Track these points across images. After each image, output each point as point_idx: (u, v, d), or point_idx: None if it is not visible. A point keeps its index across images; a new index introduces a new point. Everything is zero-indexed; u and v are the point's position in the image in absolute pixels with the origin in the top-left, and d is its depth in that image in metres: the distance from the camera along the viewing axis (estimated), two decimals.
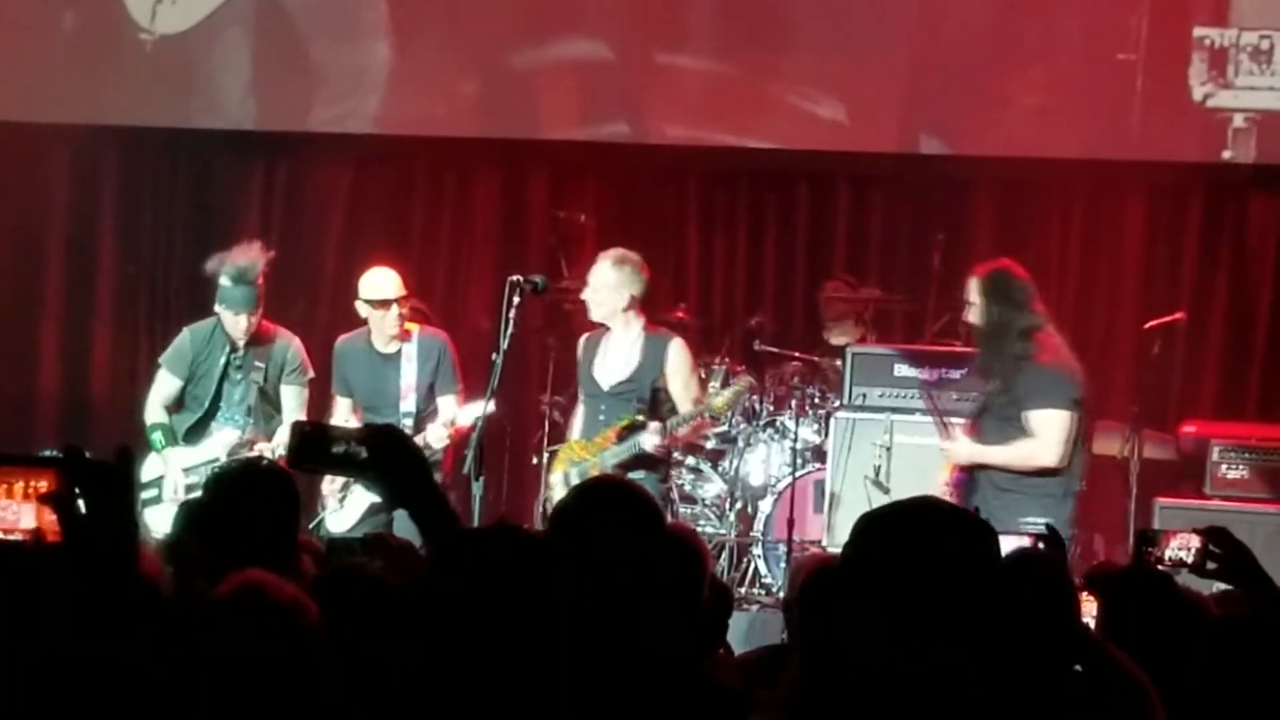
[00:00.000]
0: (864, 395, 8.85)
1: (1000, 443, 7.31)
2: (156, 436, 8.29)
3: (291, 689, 3.08)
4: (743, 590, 9.27)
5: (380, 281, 8.31)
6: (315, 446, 3.21)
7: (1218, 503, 8.84)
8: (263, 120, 11.17)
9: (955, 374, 8.50)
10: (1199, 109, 10.27)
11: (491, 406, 7.70)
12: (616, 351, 8.02)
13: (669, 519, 8.77)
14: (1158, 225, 10.55)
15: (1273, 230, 10.48)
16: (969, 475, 7.39)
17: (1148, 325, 9.41)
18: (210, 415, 8.32)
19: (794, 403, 9.57)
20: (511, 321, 7.71)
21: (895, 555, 2.63)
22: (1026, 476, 7.22)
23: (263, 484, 4.45)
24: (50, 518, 2.82)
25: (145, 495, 8.11)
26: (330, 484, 8.23)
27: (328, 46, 10.97)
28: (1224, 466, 9.00)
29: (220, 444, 8.22)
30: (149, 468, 8.23)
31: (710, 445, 9.85)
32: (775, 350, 10.01)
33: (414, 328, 8.40)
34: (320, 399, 8.59)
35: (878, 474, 8.51)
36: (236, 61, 11.08)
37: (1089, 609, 3.93)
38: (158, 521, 7.74)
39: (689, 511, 9.64)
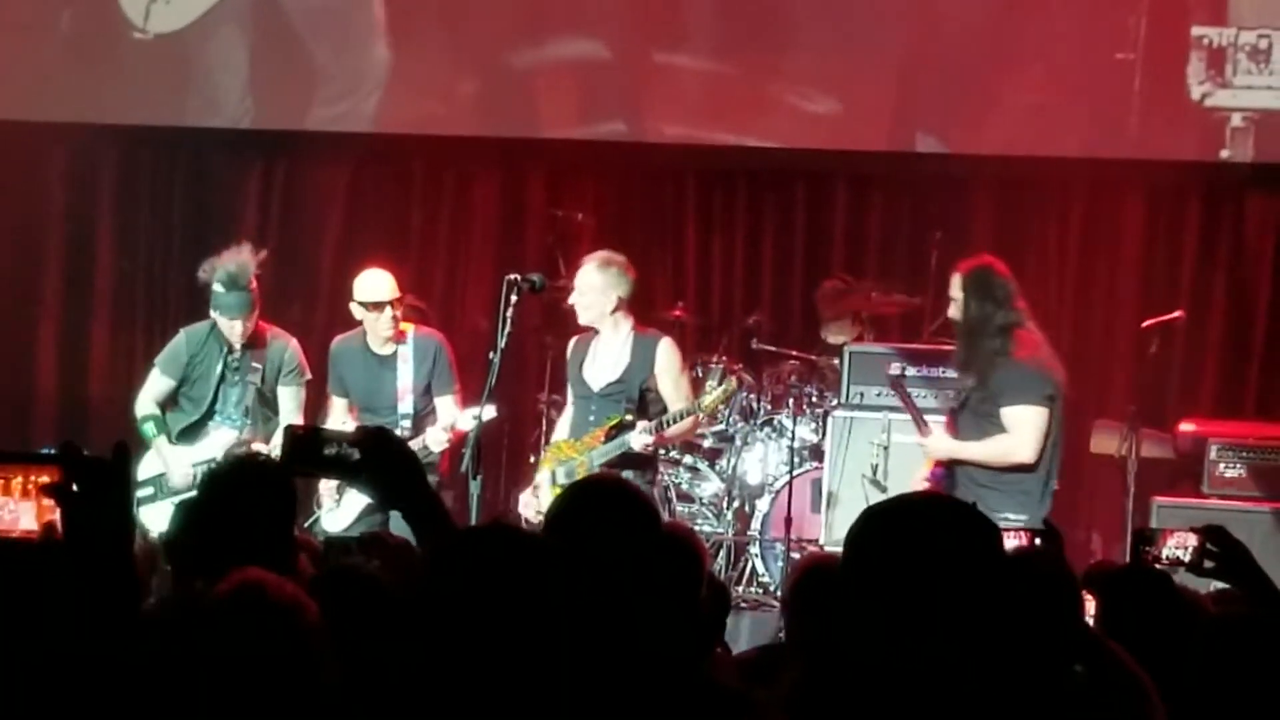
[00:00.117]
0: (861, 394, 8.86)
1: (977, 439, 7.34)
2: (148, 426, 8.28)
3: (291, 688, 3.07)
4: (740, 589, 9.27)
5: (374, 283, 8.29)
6: (307, 450, 3.21)
7: (1215, 501, 8.83)
8: (261, 119, 11.16)
9: (938, 371, 8.53)
10: (1197, 108, 10.26)
11: (490, 413, 7.70)
12: (606, 353, 8.02)
13: (666, 517, 8.81)
14: (1156, 224, 10.55)
15: (1271, 229, 10.49)
16: (948, 471, 7.42)
17: (1146, 324, 9.41)
18: (207, 417, 8.32)
19: (791, 401, 9.58)
20: (509, 320, 7.71)
21: (897, 551, 2.63)
22: (1003, 473, 7.25)
23: (258, 481, 4.44)
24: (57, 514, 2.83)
25: (141, 494, 8.11)
26: (327, 482, 8.22)
27: (326, 46, 10.97)
28: (1222, 465, 9.00)
29: (219, 444, 8.22)
30: (145, 466, 8.23)
31: (708, 444, 9.85)
32: (773, 349, 10.02)
33: (409, 328, 8.39)
34: (317, 400, 8.59)
35: (875, 472, 8.51)
36: (233, 60, 11.07)
37: (1087, 607, 3.93)
38: (154, 520, 7.73)
39: (686, 510, 9.64)
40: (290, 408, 8.27)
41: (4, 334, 11.26)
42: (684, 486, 9.75)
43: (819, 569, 4.60)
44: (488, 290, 10.19)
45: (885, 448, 8.50)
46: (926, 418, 7.71)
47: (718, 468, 9.81)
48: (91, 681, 2.89)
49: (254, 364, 8.27)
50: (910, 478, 7.69)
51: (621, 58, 10.79)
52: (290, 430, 3.33)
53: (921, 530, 2.65)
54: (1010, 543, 4.57)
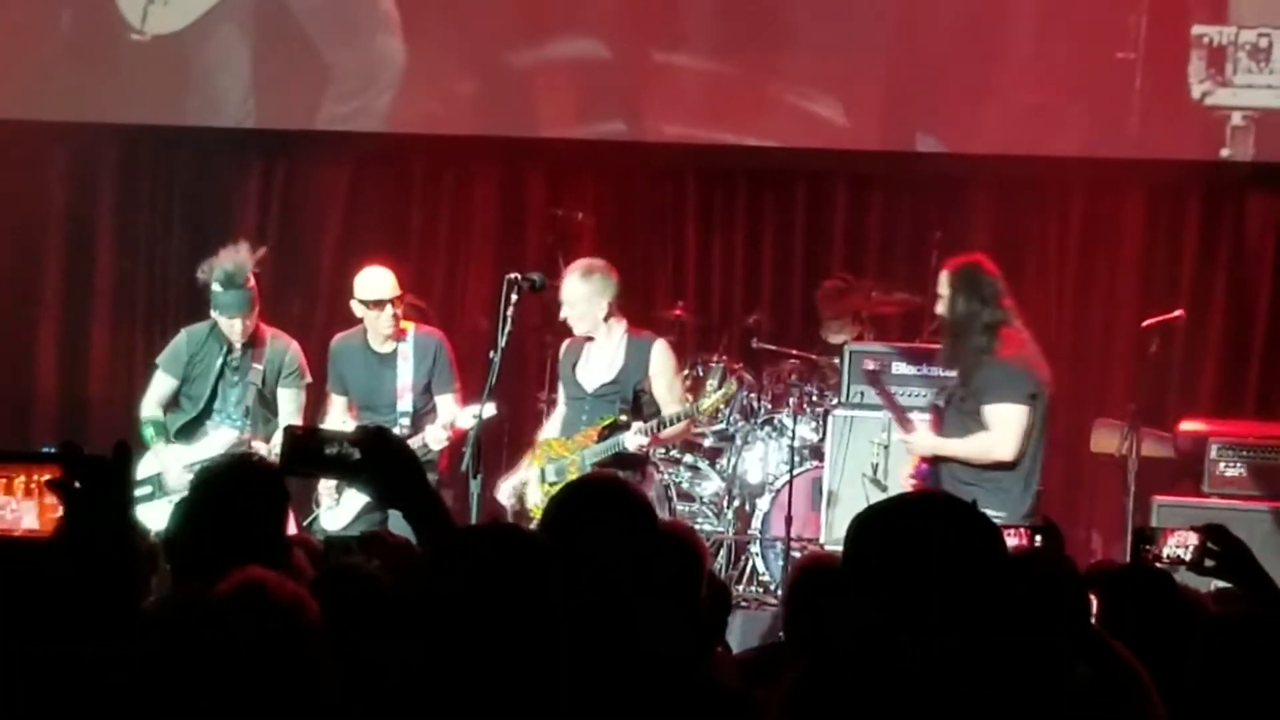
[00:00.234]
0: (862, 393, 8.87)
1: (960, 436, 7.36)
2: (149, 431, 8.30)
3: (291, 687, 3.08)
4: (740, 588, 9.27)
5: (375, 281, 8.30)
6: (307, 450, 3.21)
7: (1216, 501, 8.84)
8: (260, 119, 11.16)
9: (937, 370, 8.55)
10: (1197, 107, 10.26)
11: (490, 411, 7.70)
12: (600, 355, 8.02)
13: (665, 517, 8.81)
14: (1156, 223, 10.56)
15: (1271, 228, 10.49)
16: (933, 468, 7.44)
17: (1146, 323, 9.41)
18: (204, 415, 8.32)
19: (792, 401, 9.58)
20: (509, 319, 7.72)
21: (895, 550, 2.63)
22: (986, 470, 7.27)
23: (250, 481, 4.44)
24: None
25: (140, 492, 8.10)
26: (326, 480, 8.21)
27: (326, 46, 10.96)
28: (1222, 464, 9.00)
29: (219, 444, 8.22)
30: (144, 465, 8.23)
31: (708, 443, 9.85)
32: (773, 348, 10.01)
33: (409, 326, 8.39)
34: (317, 401, 8.59)
35: (875, 472, 8.52)
36: (233, 61, 11.07)
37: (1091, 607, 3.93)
38: (152, 519, 7.73)
39: (687, 509, 9.63)
40: (290, 410, 8.27)
41: (4, 333, 11.26)
42: (684, 485, 9.74)
43: (819, 568, 4.61)
44: (488, 289, 10.19)
45: (886, 447, 8.51)
46: (913, 415, 7.74)
47: (718, 467, 9.81)
48: (93, 680, 2.89)
49: (254, 364, 8.27)
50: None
51: (621, 57, 10.79)
52: (290, 430, 3.33)
53: (920, 529, 2.65)
54: (1010, 541, 4.58)
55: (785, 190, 10.99)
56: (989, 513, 6.82)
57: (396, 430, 7.61)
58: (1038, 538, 4.59)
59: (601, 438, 7.87)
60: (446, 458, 8.23)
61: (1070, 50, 10.31)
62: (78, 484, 2.79)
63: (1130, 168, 10.44)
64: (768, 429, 9.74)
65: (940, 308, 7.50)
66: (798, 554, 8.53)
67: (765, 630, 8.02)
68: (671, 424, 7.84)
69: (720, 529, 9.60)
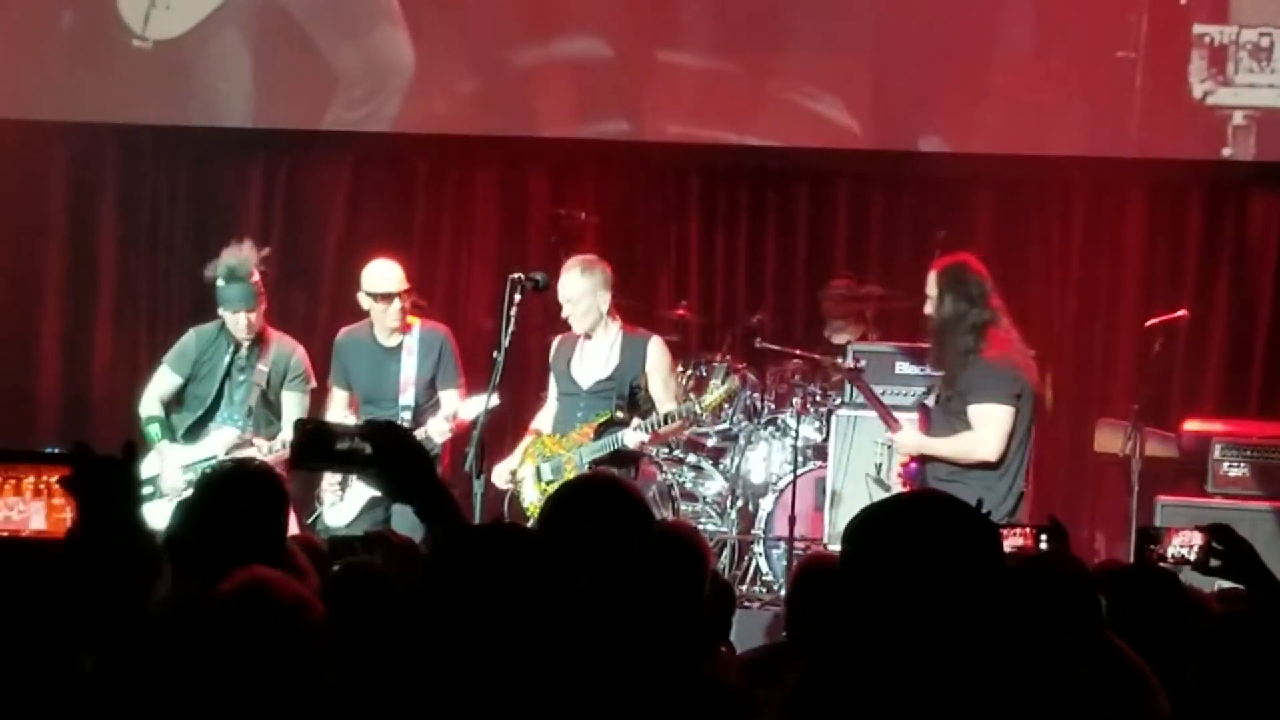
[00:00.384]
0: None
1: (947, 435, 7.36)
2: (152, 429, 8.31)
3: (294, 686, 3.08)
4: (744, 588, 9.26)
5: (383, 274, 8.32)
6: (319, 444, 3.21)
7: (1219, 500, 8.84)
8: (263, 119, 11.16)
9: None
10: (1199, 106, 10.26)
11: (494, 402, 7.70)
12: (595, 352, 8.03)
13: (668, 516, 8.82)
14: (1158, 223, 10.56)
15: (1273, 227, 10.49)
16: (921, 466, 7.45)
17: (1149, 323, 9.42)
18: (210, 414, 8.33)
19: (795, 400, 9.58)
20: (513, 319, 7.72)
21: (892, 550, 2.63)
22: (969, 470, 7.28)
23: (252, 484, 4.45)
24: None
25: (142, 491, 8.10)
26: (330, 477, 8.23)
27: (330, 52, 10.96)
28: (1226, 464, 9.00)
29: (219, 443, 8.23)
30: (146, 465, 8.23)
31: (712, 443, 9.85)
32: (776, 348, 10.00)
33: (415, 321, 8.41)
34: (320, 401, 8.58)
35: (879, 471, 8.52)
36: (235, 64, 11.06)
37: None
38: (154, 518, 7.73)
39: (690, 509, 9.63)
40: (294, 413, 8.26)
41: (7, 333, 11.26)
42: (688, 485, 9.74)
43: (821, 568, 4.61)
44: (491, 289, 10.19)
45: (889, 446, 8.49)
46: (900, 414, 7.77)
47: (721, 466, 9.81)
48: (98, 679, 2.90)
49: (260, 366, 8.29)
50: None
51: (624, 57, 10.79)
52: (301, 424, 3.33)
53: (916, 529, 2.65)
54: (1015, 542, 4.58)
55: (788, 190, 11.00)
56: None
57: None
58: (1042, 538, 4.60)
59: (597, 435, 7.87)
60: (449, 456, 8.23)
61: (1071, 50, 10.32)
62: (88, 484, 2.80)
63: (1132, 167, 10.45)
64: (771, 429, 9.74)
65: (928, 308, 7.51)
66: (801, 554, 8.52)
67: (768, 630, 8.03)
68: (671, 421, 7.84)
69: (724, 529, 9.60)
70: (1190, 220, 10.56)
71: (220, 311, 8.30)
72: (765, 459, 9.72)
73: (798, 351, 9.90)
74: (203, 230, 10.80)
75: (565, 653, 2.75)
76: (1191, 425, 9.33)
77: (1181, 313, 9.51)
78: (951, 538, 2.64)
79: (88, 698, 2.94)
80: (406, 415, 8.17)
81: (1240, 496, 8.87)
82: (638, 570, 3.39)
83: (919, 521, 2.67)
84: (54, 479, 2.85)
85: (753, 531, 9.55)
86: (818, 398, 9.62)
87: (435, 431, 8.03)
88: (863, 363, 9.04)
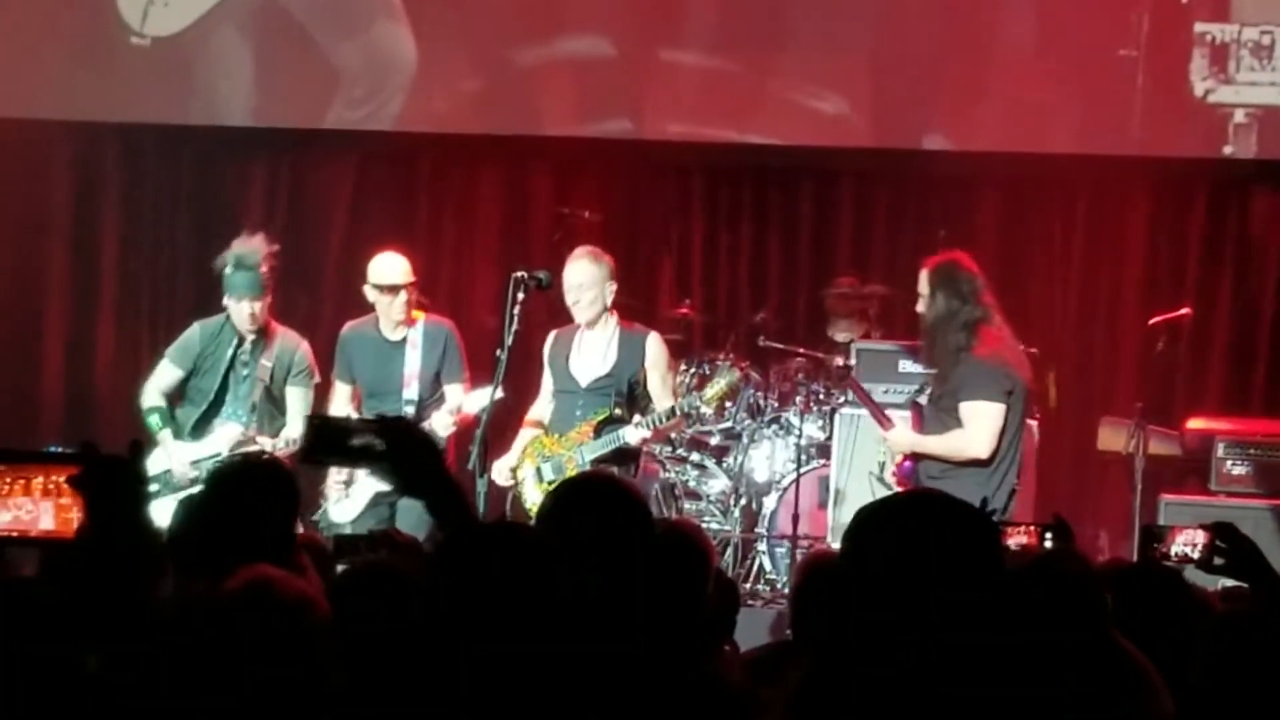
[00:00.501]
0: (869, 391, 8.85)
1: (939, 433, 7.37)
2: (154, 419, 8.32)
3: (298, 685, 3.08)
4: (747, 586, 9.26)
5: (389, 266, 8.33)
6: (332, 439, 3.22)
7: (1223, 499, 8.85)
8: (265, 118, 11.16)
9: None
10: (1200, 104, 10.26)
11: (499, 391, 7.71)
12: (593, 348, 8.02)
13: (671, 515, 8.82)
14: (1161, 221, 10.56)
15: (1276, 225, 10.49)
16: (916, 465, 7.46)
17: (1152, 321, 9.42)
18: (215, 409, 8.33)
19: (799, 399, 9.59)
20: (516, 318, 7.73)
21: (892, 548, 2.64)
22: (961, 467, 7.29)
23: (263, 480, 4.45)
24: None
25: (149, 489, 8.10)
26: (337, 474, 8.23)
27: (330, 45, 10.97)
28: (1229, 462, 9.01)
29: (223, 439, 8.24)
30: (151, 461, 8.24)
31: (715, 441, 9.86)
32: (780, 346, 10.01)
33: (420, 315, 8.41)
34: (324, 394, 8.59)
35: (882, 470, 8.49)
36: (235, 62, 11.06)
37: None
38: (159, 515, 7.73)
39: (693, 507, 9.64)
40: (298, 408, 8.28)
41: (11, 332, 11.27)
42: (691, 483, 9.74)
43: (824, 566, 4.60)
44: (493, 287, 10.19)
45: None
46: (892, 412, 7.79)
47: (725, 465, 9.81)
48: (102, 678, 2.90)
49: (264, 360, 8.30)
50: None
51: (627, 55, 10.79)
52: (313, 419, 3.34)
53: (915, 528, 2.66)
54: (1019, 540, 4.59)
55: (791, 188, 11.00)
56: None
57: None
58: (1047, 536, 4.60)
59: (597, 433, 7.86)
60: (453, 452, 8.23)
61: (1073, 48, 10.31)
62: (97, 482, 2.81)
63: (1135, 166, 10.44)
64: (774, 427, 9.74)
65: (920, 307, 7.53)
66: (804, 552, 8.53)
67: (772, 628, 8.03)
68: (671, 417, 7.84)
69: (727, 527, 9.61)
70: (1193, 218, 10.55)
71: (225, 300, 8.30)
72: (768, 457, 9.73)
73: (801, 350, 9.90)
74: (205, 229, 10.79)
75: (568, 651, 2.75)
76: (1195, 423, 9.34)
77: (1184, 311, 9.52)
78: (950, 537, 2.64)
79: (92, 697, 2.95)
80: (410, 409, 8.17)
81: (1243, 495, 8.88)
82: (639, 568, 3.39)
83: (917, 520, 2.67)
84: (62, 479, 2.85)
85: (756, 530, 9.55)
86: (821, 396, 9.62)
87: (439, 425, 8.03)
88: (853, 361, 9.06)
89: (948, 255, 7.65)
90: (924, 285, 7.46)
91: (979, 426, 7.25)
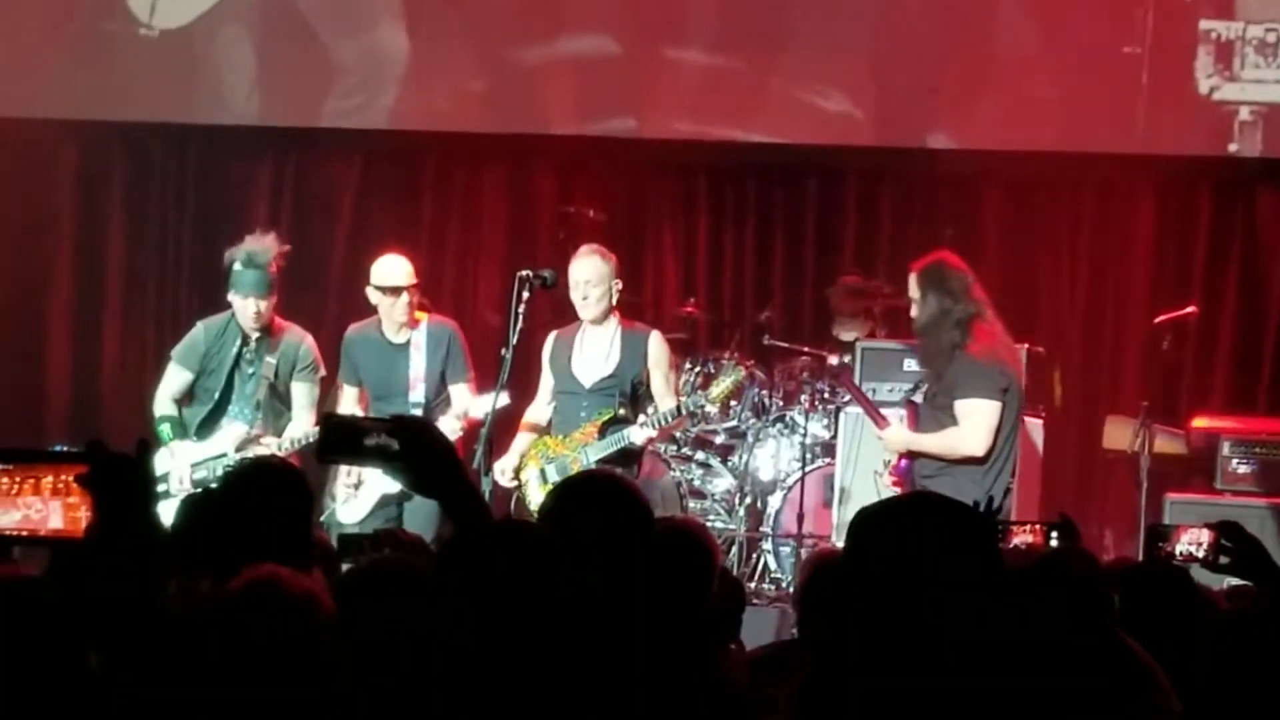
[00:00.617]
0: (874, 390, 8.85)
1: (934, 431, 7.38)
2: (165, 428, 8.30)
3: (304, 683, 3.09)
4: (752, 585, 9.27)
5: (392, 268, 8.32)
6: (347, 438, 3.21)
7: (1228, 497, 8.84)
8: (269, 115, 11.17)
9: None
10: (1205, 102, 10.25)
11: (503, 399, 7.71)
12: (595, 348, 8.01)
13: (678, 514, 8.81)
14: (1166, 219, 10.55)
15: None
16: (912, 464, 7.47)
17: (1158, 319, 9.42)
18: (221, 408, 8.32)
19: (803, 398, 9.59)
20: (521, 317, 7.72)
21: (893, 549, 2.64)
22: (955, 465, 7.29)
23: (277, 481, 4.46)
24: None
25: (157, 489, 8.09)
26: (347, 475, 8.23)
27: (335, 41, 10.98)
28: (1235, 461, 9.00)
29: (229, 438, 8.23)
30: (157, 462, 8.23)
31: (720, 440, 9.86)
32: (785, 345, 10.01)
33: (423, 316, 8.41)
34: (329, 393, 8.59)
35: (887, 469, 8.51)
36: (240, 57, 11.08)
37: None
38: (165, 515, 7.73)
39: (698, 506, 9.64)
40: (304, 404, 8.28)
41: (16, 330, 11.28)
42: (696, 482, 9.74)
43: (829, 565, 4.60)
44: (498, 286, 10.20)
45: None
46: (888, 411, 7.79)
47: (730, 464, 9.82)
48: (108, 675, 2.91)
49: (268, 358, 8.29)
50: None
51: (631, 54, 10.80)
52: (329, 419, 3.34)
53: (916, 528, 2.66)
54: (1024, 538, 4.58)
55: (796, 187, 10.99)
56: None
57: None
58: (1053, 535, 4.60)
59: (602, 433, 7.85)
60: (460, 450, 8.21)
61: (1077, 45, 10.31)
62: (105, 481, 2.81)
63: (1140, 163, 10.44)
64: (779, 426, 9.74)
65: (913, 311, 7.54)
66: (809, 551, 8.53)
67: (777, 627, 8.04)
68: (676, 416, 7.84)
69: (732, 526, 9.61)
70: (1199, 216, 10.55)
71: (230, 297, 8.28)
72: (773, 456, 9.73)
73: (806, 349, 9.90)
74: (209, 228, 10.80)
75: (573, 651, 2.75)
76: (1200, 422, 9.33)
77: (1190, 309, 9.51)
78: (949, 536, 2.64)
79: (97, 696, 2.95)
80: (417, 412, 8.16)
81: (1249, 493, 8.88)
82: (641, 567, 3.39)
83: (917, 520, 2.68)
84: (71, 478, 2.86)
85: (761, 529, 9.56)
86: (826, 395, 9.62)
87: (446, 429, 8.00)
88: (849, 359, 9.05)
89: (934, 256, 7.66)
90: (914, 289, 7.48)
91: (974, 424, 7.26)
